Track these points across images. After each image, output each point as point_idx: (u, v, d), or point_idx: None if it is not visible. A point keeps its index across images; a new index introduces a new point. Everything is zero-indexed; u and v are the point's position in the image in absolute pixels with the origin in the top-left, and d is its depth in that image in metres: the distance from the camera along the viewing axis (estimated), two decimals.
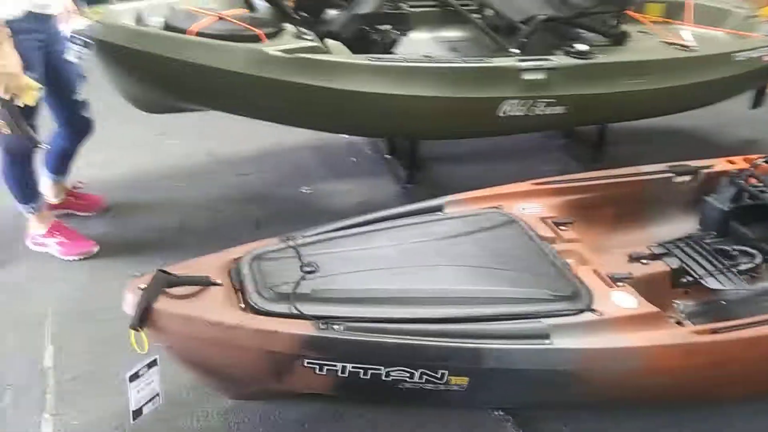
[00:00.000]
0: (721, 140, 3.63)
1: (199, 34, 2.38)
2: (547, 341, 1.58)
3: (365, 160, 3.31)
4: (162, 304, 1.47)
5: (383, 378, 1.55)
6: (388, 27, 2.85)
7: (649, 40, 3.08)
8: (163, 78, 2.43)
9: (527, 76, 2.62)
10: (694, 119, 3.55)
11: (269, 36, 2.46)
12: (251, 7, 2.75)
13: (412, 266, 1.77)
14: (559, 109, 2.72)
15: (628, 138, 3.41)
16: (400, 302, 1.63)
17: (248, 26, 2.45)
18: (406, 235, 1.91)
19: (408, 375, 1.56)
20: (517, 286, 1.72)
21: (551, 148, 3.44)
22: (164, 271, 1.52)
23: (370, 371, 1.54)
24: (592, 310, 1.66)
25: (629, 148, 3.29)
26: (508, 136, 3.12)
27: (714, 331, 1.68)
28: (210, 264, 1.67)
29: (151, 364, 1.54)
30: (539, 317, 1.63)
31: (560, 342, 1.59)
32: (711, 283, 1.98)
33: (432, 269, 1.77)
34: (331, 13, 2.90)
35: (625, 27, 3.08)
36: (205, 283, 1.56)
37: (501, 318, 1.62)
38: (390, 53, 2.77)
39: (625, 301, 1.72)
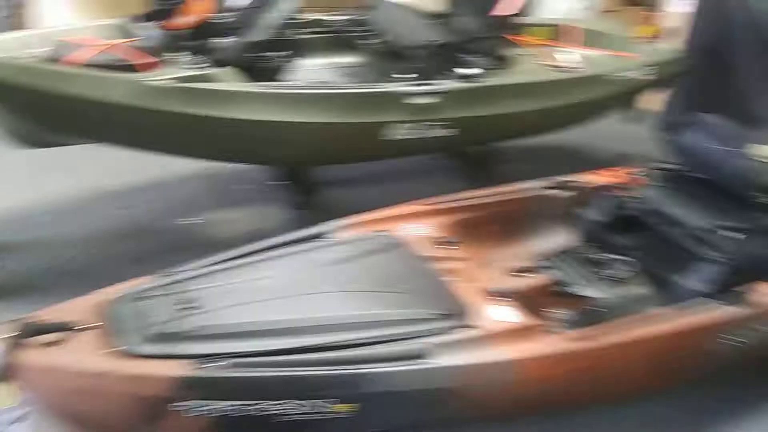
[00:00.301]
0: (598, 155, 3.83)
1: (79, 64, 2.33)
2: (424, 360, 1.62)
3: (256, 188, 3.28)
4: (25, 355, 1.42)
5: (266, 413, 1.54)
6: (281, 53, 2.89)
7: (534, 63, 3.21)
8: (43, 111, 2.37)
9: (414, 100, 2.69)
10: (575, 135, 3.72)
11: (156, 65, 2.44)
12: (137, 36, 2.72)
13: (297, 295, 1.77)
14: (448, 132, 2.80)
15: (514, 155, 3.53)
16: (282, 333, 1.64)
17: (129, 56, 2.42)
18: (291, 263, 1.92)
19: (292, 407, 1.56)
20: (400, 308, 1.75)
21: (442, 169, 3.53)
22: (29, 319, 1.47)
23: (251, 407, 1.53)
24: (471, 326, 1.71)
25: (515, 166, 3.39)
26: (402, 158, 3.18)
27: (586, 338, 1.76)
28: (83, 306, 1.63)
29: (22, 418, 1.48)
30: (418, 337, 1.67)
31: (439, 360, 1.63)
32: (587, 291, 2.07)
33: (317, 297, 1.78)
34: (225, 40, 2.90)
35: (513, 51, 3.22)
36: (72, 328, 1.51)
37: (380, 341, 1.64)
38: (283, 80, 2.80)
39: (504, 315, 1.78)
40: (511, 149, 3.46)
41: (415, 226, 2.16)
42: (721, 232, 2.08)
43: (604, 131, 3.88)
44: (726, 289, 1.98)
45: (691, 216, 2.20)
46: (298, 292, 1.78)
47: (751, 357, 2.13)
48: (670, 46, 3.50)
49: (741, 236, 2.07)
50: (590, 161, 3.59)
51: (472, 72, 2.86)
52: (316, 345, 1.61)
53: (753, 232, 2.11)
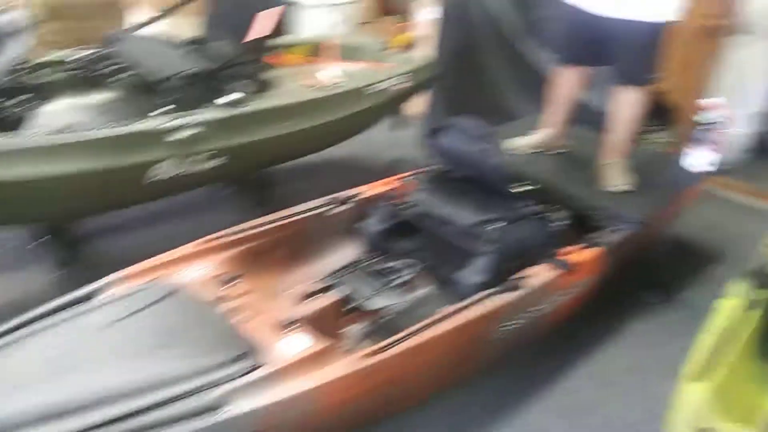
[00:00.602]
0: (372, 164, 3.97)
1: None
2: (222, 411, 1.54)
3: (8, 252, 2.93)
4: None
5: None
6: (21, 100, 2.60)
7: (295, 83, 3.23)
8: None
9: (175, 135, 2.56)
10: (349, 148, 3.83)
11: None
12: None
13: (68, 371, 1.60)
14: (216, 162, 2.72)
15: (292, 176, 3.54)
16: (57, 417, 1.46)
17: None
18: (57, 335, 1.72)
19: None
20: (187, 360, 1.65)
21: (221, 200, 3.41)
22: None
23: None
24: (265, 364, 1.66)
25: (294, 186, 3.40)
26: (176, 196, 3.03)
27: (381, 350, 1.79)
28: None
29: None
30: (212, 387, 1.58)
31: (237, 407, 1.56)
32: (377, 303, 2.12)
33: (91, 369, 1.61)
34: None
35: (273, 73, 3.21)
36: None
37: (172, 401, 1.53)
38: (28, 129, 2.52)
39: (297, 344, 1.75)
40: (289, 170, 3.45)
41: (194, 267, 2.05)
42: (486, 225, 2.25)
43: (375, 140, 4.01)
44: (500, 278, 2.13)
45: (459, 214, 2.35)
46: (69, 367, 1.61)
47: (528, 338, 2.32)
48: (422, 54, 3.72)
49: (503, 225, 2.25)
50: (365, 172, 3.70)
51: (232, 99, 2.80)
52: (99, 422, 1.46)
53: (513, 221, 2.30)
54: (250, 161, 2.97)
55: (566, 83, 3.06)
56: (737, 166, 4.17)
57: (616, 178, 2.87)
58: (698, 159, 2.47)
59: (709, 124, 2.37)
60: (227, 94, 2.82)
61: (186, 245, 2.16)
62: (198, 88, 2.81)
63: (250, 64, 3.02)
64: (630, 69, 2.80)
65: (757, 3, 3.93)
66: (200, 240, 2.19)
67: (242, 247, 2.22)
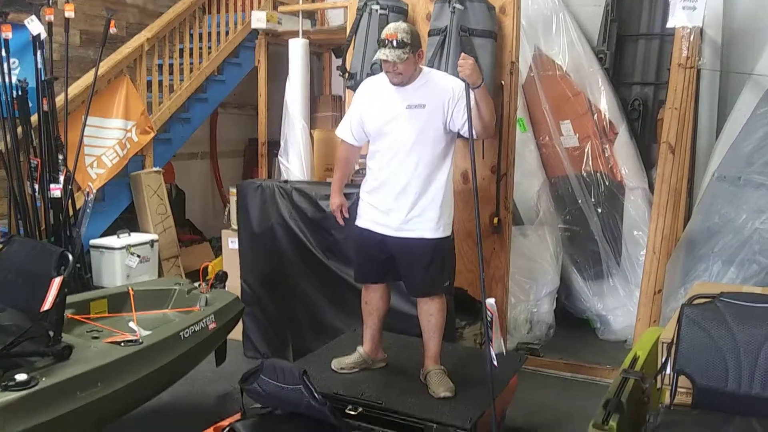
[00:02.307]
0: (202, 405, 3.75)
1: None
2: None
3: None
4: None
5: None
6: None
7: (97, 344, 3.02)
8: None
9: None
10: (173, 394, 3.60)
11: None
12: None
13: None
14: None
15: None
16: None
17: None
18: None
19: None
20: None
21: None
22: None
23: None
24: None
25: None
26: None
27: None
28: None
29: None
30: None
31: None
32: None
33: None
34: None
35: (71, 335, 2.99)
36: None
37: None
38: None
39: None
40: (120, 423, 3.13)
41: None
42: None
43: (204, 375, 3.86)
44: None
45: None
46: None
47: None
48: (225, 292, 3.70)
49: None
50: (197, 415, 3.54)
51: (23, 377, 2.53)
52: None
53: None
54: None
55: (373, 298, 3.18)
56: (546, 342, 4.48)
57: (438, 385, 2.92)
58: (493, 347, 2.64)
59: (489, 321, 2.57)
60: (20, 372, 2.55)
61: None
62: None
63: (41, 337, 2.79)
64: (420, 283, 2.99)
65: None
66: None
67: None
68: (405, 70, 2.87)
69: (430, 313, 3.00)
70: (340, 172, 3.31)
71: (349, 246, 3.85)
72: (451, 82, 2.98)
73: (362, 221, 3.09)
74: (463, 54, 2.94)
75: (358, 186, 3.23)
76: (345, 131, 3.18)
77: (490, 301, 2.60)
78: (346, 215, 3.27)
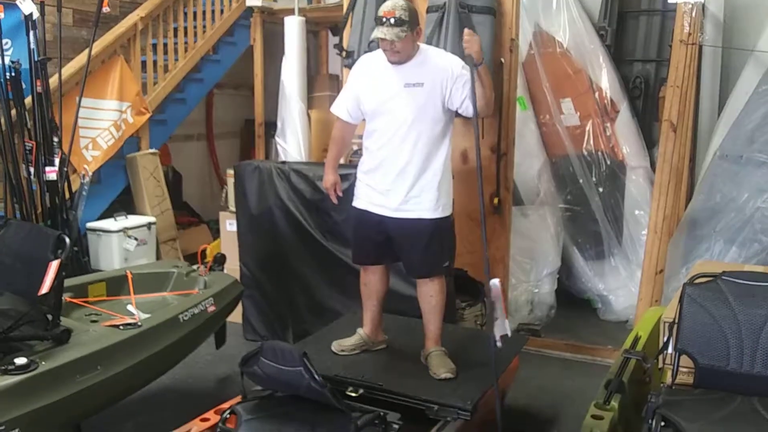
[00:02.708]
0: (203, 389, 3.74)
1: None
2: None
3: None
4: None
5: None
6: None
7: (96, 327, 3.01)
8: None
9: None
10: (173, 377, 3.60)
11: None
12: None
13: None
14: None
15: (114, 418, 3.24)
16: None
17: None
18: None
19: None
20: None
21: None
22: None
23: None
24: None
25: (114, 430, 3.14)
26: None
27: None
28: None
29: None
30: None
31: None
32: None
33: None
34: None
35: (70, 319, 2.98)
36: None
37: None
38: None
39: None
40: (111, 412, 3.13)
41: None
42: None
43: (203, 359, 3.85)
44: None
45: None
46: None
47: None
48: (224, 275, 3.68)
49: None
50: (198, 398, 3.54)
51: (22, 361, 2.52)
52: None
53: None
54: (57, 423, 2.63)
55: (371, 280, 3.15)
56: (547, 323, 4.47)
57: (439, 366, 2.91)
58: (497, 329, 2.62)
59: (492, 302, 2.55)
60: (19, 355, 2.54)
61: None
62: None
63: (41, 320, 2.77)
64: (422, 263, 2.96)
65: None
66: None
67: None
68: (403, 48, 2.82)
69: (430, 294, 2.98)
70: (335, 150, 3.26)
71: (348, 227, 3.83)
72: (450, 59, 2.93)
73: (360, 202, 3.06)
74: (467, 30, 2.86)
75: (356, 167, 3.19)
76: (340, 108, 3.13)
77: (495, 282, 2.57)
78: (340, 194, 3.22)
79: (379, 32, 2.78)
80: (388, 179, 2.93)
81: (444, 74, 2.86)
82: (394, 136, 2.90)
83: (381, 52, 2.92)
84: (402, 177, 2.90)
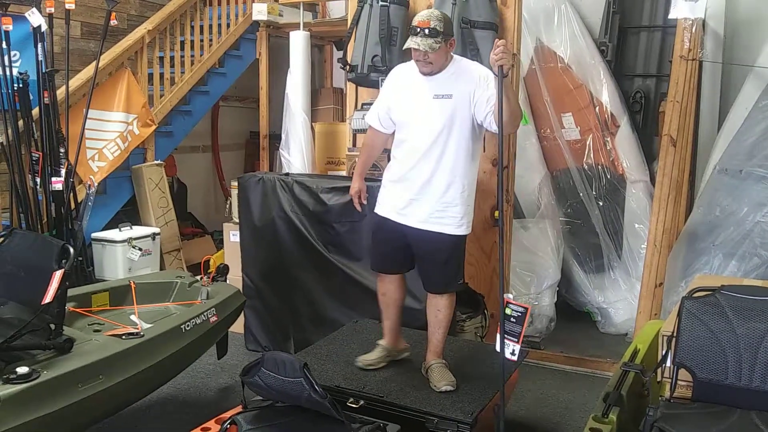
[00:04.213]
0: (204, 398, 3.74)
1: None
2: None
3: None
4: None
5: None
6: None
7: (98, 337, 3.03)
8: None
9: None
10: (175, 387, 3.62)
11: None
12: None
13: None
14: None
15: (111, 429, 3.25)
16: None
17: None
18: None
19: None
20: None
21: None
22: None
23: None
24: None
25: None
26: None
27: None
28: None
29: None
30: None
31: None
32: None
33: None
34: None
35: (73, 328, 3.00)
36: None
37: None
38: None
39: None
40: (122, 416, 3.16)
41: None
42: None
43: (206, 368, 3.89)
44: None
45: None
46: None
47: None
48: (226, 285, 3.71)
49: None
50: (198, 407, 3.56)
51: (24, 370, 2.54)
52: None
53: None
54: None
55: (389, 289, 3.14)
56: (546, 335, 4.48)
57: (439, 379, 2.92)
58: (506, 348, 2.60)
59: (514, 317, 2.53)
60: (19, 365, 2.55)
61: None
62: None
63: (44, 329, 2.80)
64: (438, 279, 2.97)
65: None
66: None
67: None
68: (436, 60, 2.78)
69: (438, 308, 2.98)
70: (364, 157, 3.24)
71: (351, 239, 3.86)
72: (481, 70, 2.87)
73: (382, 209, 3.03)
74: (500, 40, 2.65)
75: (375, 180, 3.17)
76: (373, 117, 3.12)
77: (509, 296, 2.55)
78: (364, 201, 3.20)
79: (412, 42, 2.74)
80: (413, 190, 2.91)
81: (472, 85, 2.81)
82: (421, 146, 2.87)
83: (414, 63, 2.89)
84: (427, 189, 2.88)
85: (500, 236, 2.79)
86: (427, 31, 2.71)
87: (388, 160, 3.15)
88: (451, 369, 3.00)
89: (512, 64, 2.66)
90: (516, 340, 2.54)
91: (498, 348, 2.57)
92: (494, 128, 2.78)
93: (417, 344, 3.24)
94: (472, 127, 2.87)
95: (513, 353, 2.51)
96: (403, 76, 3.00)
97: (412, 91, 2.93)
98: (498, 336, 2.58)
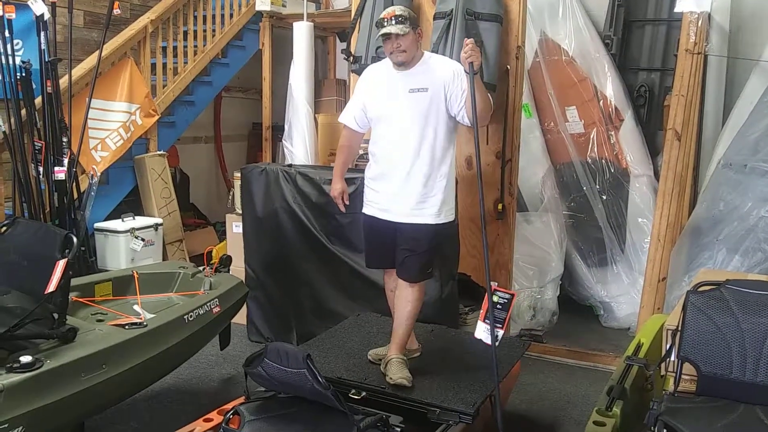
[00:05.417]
0: (206, 389, 3.75)
1: None
2: None
3: None
4: None
5: None
6: None
7: (101, 326, 3.03)
8: None
9: None
10: (177, 377, 3.62)
11: None
12: None
13: None
14: None
15: (114, 420, 3.25)
16: None
17: None
18: None
19: None
20: None
21: None
22: None
23: None
24: None
25: (118, 429, 3.14)
26: None
27: None
28: None
29: None
30: None
31: None
32: None
33: None
34: None
35: (76, 318, 3.00)
36: None
37: None
38: None
39: None
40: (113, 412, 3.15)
41: None
42: None
43: (208, 359, 3.87)
44: None
45: None
46: None
47: None
48: (229, 276, 3.70)
49: None
50: (201, 397, 3.56)
51: (27, 359, 2.54)
52: None
53: None
54: (57, 423, 2.65)
55: (394, 284, 3.11)
56: (549, 329, 4.47)
57: (396, 372, 2.87)
58: (484, 334, 2.62)
59: (500, 303, 2.56)
60: (22, 354, 2.56)
61: None
62: None
63: (47, 318, 2.80)
64: (413, 266, 2.95)
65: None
66: None
67: None
68: (408, 46, 2.86)
69: (408, 300, 2.95)
70: (342, 158, 3.28)
71: (353, 230, 3.85)
72: (452, 65, 2.96)
73: (369, 208, 3.07)
74: (469, 39, 2.85)
75: (362, 171, 3.21)
76: (348, 117, 3.16)
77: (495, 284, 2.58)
78: (347, 202, 3.23)
79: (383, 30, 2.84)
80: (394, 184, 2.94)
81: (446, 79, 2.89)
82: (399, 141, 2.92)
83: (387, 62, 2.96)
84: (408, 182, 2.91)
85: (483, 227, 2.75)
86: (393, 20, 2.84)
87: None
88: (453, 361, 2.99)
89: (480, 62, 2.82)
90: (501, 326, 2.60)
91: (477, 335, 2.61)
92: (466, 122, 2.90)
93: (419, 336, 3.24)
94: (447, 119, 2.94)
95: (496, 338, 2.58)
96: (377, 74, 3.07)
97: (386, 87, 2.98)
98: (479, 323, 2.61)
